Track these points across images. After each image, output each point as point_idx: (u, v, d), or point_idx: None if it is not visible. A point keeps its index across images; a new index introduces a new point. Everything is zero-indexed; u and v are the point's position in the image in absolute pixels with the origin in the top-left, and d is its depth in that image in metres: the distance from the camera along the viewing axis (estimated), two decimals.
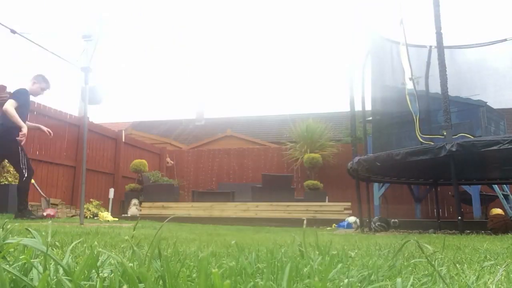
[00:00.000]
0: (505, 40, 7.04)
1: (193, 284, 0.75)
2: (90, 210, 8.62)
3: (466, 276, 1.01)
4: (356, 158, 5.90)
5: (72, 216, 7.88)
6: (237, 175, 12.31)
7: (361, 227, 5.75)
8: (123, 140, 10.88)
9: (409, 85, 5.68)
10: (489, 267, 1.25)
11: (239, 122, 24.72)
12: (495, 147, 4.34)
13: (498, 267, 1.23)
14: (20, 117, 5.39)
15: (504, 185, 8.17)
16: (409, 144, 6.12)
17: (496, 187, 8.01)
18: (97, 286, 0.62)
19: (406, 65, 5.61)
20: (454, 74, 6.48)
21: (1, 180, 6.62)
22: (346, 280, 0.76)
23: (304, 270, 0.93)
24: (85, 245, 1.56)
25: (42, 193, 7.21)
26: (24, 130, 5.33)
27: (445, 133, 4.65)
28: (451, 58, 6.97)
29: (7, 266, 0.66)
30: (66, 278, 0.62)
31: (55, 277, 0.65)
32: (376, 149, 6.45)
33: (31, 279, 0.66)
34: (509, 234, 4.49)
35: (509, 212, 7.73)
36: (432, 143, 4.99)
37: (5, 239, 0.83)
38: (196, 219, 8.11)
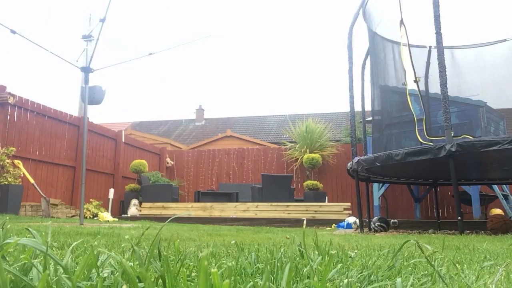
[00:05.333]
0: (505, 40, 7.05)
1: (192, 284, 0.75)
2: (90, 210, 8.62)
3: (465, 276, 1.01)
4: (356, 159, 5.90)
5: (72, 216, 7.88)
6: (237, 175, 12.31)
7: (361, 227, 5.75)
8: (123, 140, 10.88)
9: (414, 87, 5.67)
10: (488, 267, 1.25)
11: (239, 122, 24.74)
12: (494, 147, 4.34)
13: (498, 267, 1.23)
14: None
15: (504, 185, 8.17)
16: (408, 144, 6.12)
17: (495, 187, 8.01)
18: (97, 286, 0.62)
19: (409, 67, 5.61)
20: (454, 74, 6.48)
21: (1, 180, 6.61)
22: (345, 280, 0.76)
23: (304, 270, 0.93)
24: (85, 245, 1.56)
25: (41, 193, 7.21)
26: None
27: (452, 134, 4.64)
28: (451, 58, 6.97)
29: (7, 266, 0.66)
30: (65, 277, 0.62)
31: (55, 277, 0.65)
32: (375, 149, 6.45)
33: (31, 279, 0.66)
34: (509, 234, 4.49)
35: (508, 212, 7.73)
36: (432, 143, 4.99)
37: (5, 239, 0.83)
38: (196, 219, 8.11)
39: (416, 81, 5.58)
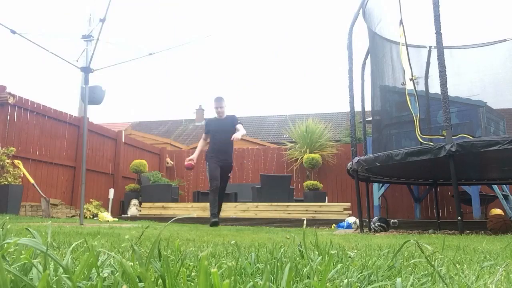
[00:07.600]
0: (505, 40, 7.04)
1: (192, 284, 0.75)
2: (90, 211, 8.62)
3: (465, 276, 1.01)
4: (356, 159, 5.90)
5: (72, 216, 7.88)
6: (237, 175, 12.31)
7: (361, 227, 5.75)
8: (123, 140, 10.88)
9: (409, 86, 5.67)
10: (488, 267, 1.25)
11: None
12: (494, 148, 4.33)
13: (498, 267, 1.23)
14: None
15: (504, 185, 8.17)
16: (408, 144, 6.12)
17: (495, 187, 8.01)
18: (97, 286, 0.62)
19: (406, 66, 5.61)
20: (454, 74, 6.48)
21: (1, 180, 6.61)
22: (345, 280, 0.76)
23: (304, 270, 0.93)
24: (85, 245, 1.56)
25: (41, 193, 7.21)
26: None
27: (444, 133, 4.65)
28: (451, 58, 6.97)
29: (7, 265, 0.66)
30: (65, 277, 0.62)
31: (55, 276, 0.65)
32: (375, 149, 6.45)
33: (31, 279, 0.66)
34: (509, 234, 4.49)
35: (508, 213, 7.73)
36: (432, 143, 4.99)
37: (5, 239, 0.83)
38: (196, 219, 8.11)
39: (412, 80, 5.56)
